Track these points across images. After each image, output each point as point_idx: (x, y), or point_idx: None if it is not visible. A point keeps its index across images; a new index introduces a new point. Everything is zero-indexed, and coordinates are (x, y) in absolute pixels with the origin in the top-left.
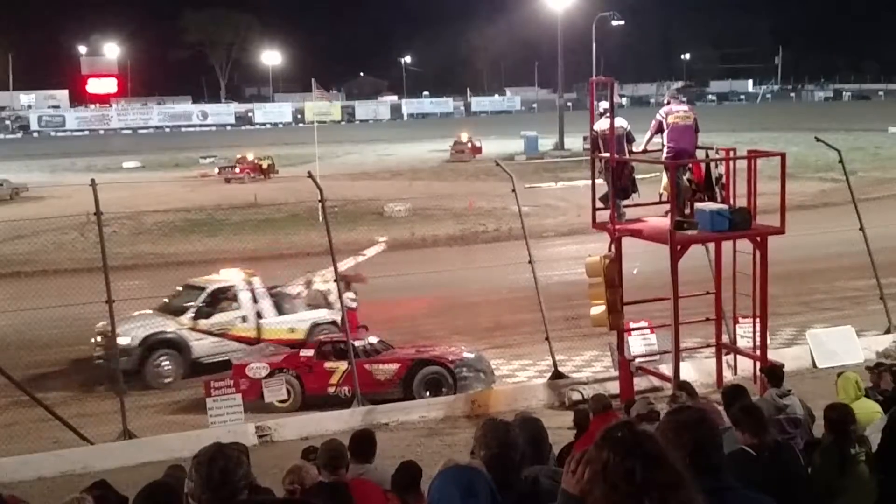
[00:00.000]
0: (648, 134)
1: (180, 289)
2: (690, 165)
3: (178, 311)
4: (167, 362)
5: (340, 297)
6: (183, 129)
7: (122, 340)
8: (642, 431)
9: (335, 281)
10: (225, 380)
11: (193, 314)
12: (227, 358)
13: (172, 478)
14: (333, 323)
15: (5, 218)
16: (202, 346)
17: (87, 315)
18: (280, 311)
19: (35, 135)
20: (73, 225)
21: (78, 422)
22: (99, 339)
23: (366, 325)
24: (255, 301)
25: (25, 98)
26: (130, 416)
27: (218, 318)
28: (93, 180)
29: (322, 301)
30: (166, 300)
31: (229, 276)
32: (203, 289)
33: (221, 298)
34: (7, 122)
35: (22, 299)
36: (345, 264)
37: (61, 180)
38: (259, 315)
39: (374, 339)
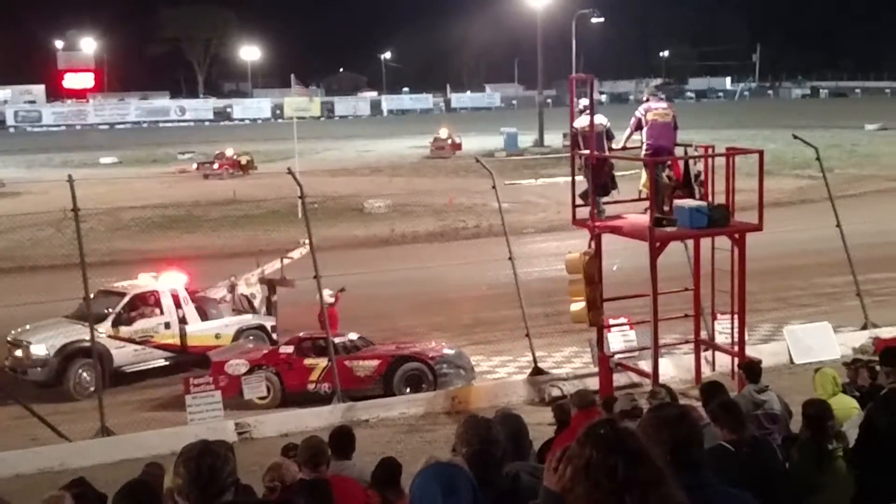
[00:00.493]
0: (628, 131)
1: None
2: (669, 162)
3: (95, 318)
4: (86, 373)
5: (308, 291)
6: (161, 125)
7: (37, 350)
8: (624, 429)
9: (261, 284)
10: (204, 377)
11: (113, 321)
12: (149, 366)
13: (150, 475)
14: (260, 328)
15: None
16: (123, 354)
17: (64, 311)
18: (204, 316)
19: (11, 130)
20: (50, 221)
21: (55, 419)
22: (16, 350)
23: (343, 288)
24: (179, 306)
25: (1, 93)
26: (108, 413)
27: (140, 325)
28: (70, 176)
29: (246, 306)
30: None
31: (150, 280)
32: (122, 294)
33: (143, 304)
34: None
35: None
36: (270, 267)
37: (38, 176)
38: (183, 321)
39: (353, 336)
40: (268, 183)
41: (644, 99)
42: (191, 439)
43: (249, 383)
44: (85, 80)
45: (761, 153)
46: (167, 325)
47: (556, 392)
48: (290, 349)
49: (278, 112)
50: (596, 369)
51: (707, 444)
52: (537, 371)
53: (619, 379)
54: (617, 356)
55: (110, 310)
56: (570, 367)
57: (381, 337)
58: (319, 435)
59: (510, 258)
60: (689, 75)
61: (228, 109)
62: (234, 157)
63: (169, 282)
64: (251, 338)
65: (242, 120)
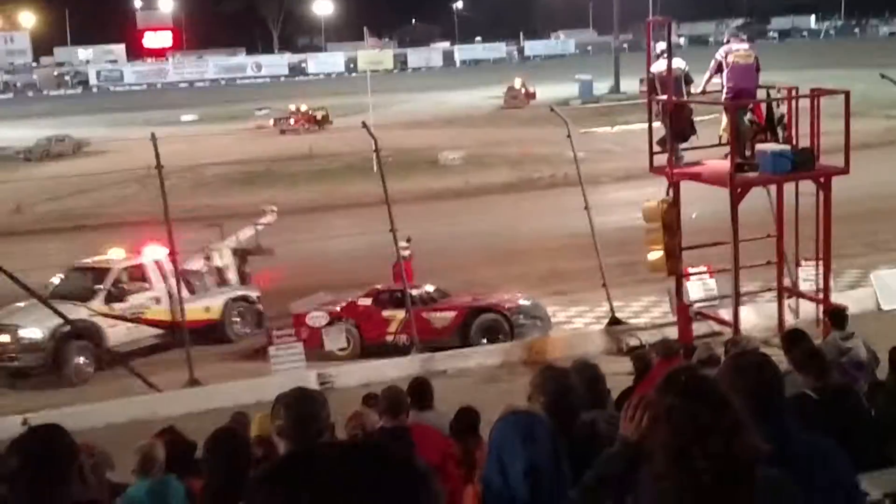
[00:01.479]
0: (707, 74)
1: (68, 272)
2: (751, 106)
3: (78, 297)
4: (84, 356)
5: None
6: (238, 82)
7: (30, 334)
8: (706, 376)
9: (233, 254)
10: (287, 328)
11: (105, 298)
12: (141, 345)
13: (237, 424)
14: (245, 298)
15: (68, 172)
16: (117, 333)
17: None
18: (191, 289)
19: (94, 90)
20: (134, 178)
21: (145, 370)
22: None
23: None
24: (165, 280)
25: (83, 53)
26: (195, 364)
27: (131, 302)
28: (153, 134)
29: (219, 278)
30: (54, 284)
31: (120, 255)
32: (106, 269)
33: (130, 279)
34: (66, 78)
35: (87, 251)
36: (243, 235)
37: (121, 135)
38: (170, 295)
39: (430, 288)
40: (343, 137)
41: (725, 41)
42: (275, 389)
43: (330, 335)
44: (164, 39)
45: (847, 94)
46: (157, 300)
47: (633, 342)
48: (368, 301)
49: (352, 66)
50: (675, 319)
51: (790, 392)
52: (615, 321)
53: (699, 328)
54: (696, 305)
55: (99, 287)
56: (647, 317)
57: (458, 289)
58: (398, 385)
59: (586, 208)
60: (772, 14)
61: (303, 64)
62: (310, 112)
63: (153, 254)
64: (240, 310)
65: (317, 75)
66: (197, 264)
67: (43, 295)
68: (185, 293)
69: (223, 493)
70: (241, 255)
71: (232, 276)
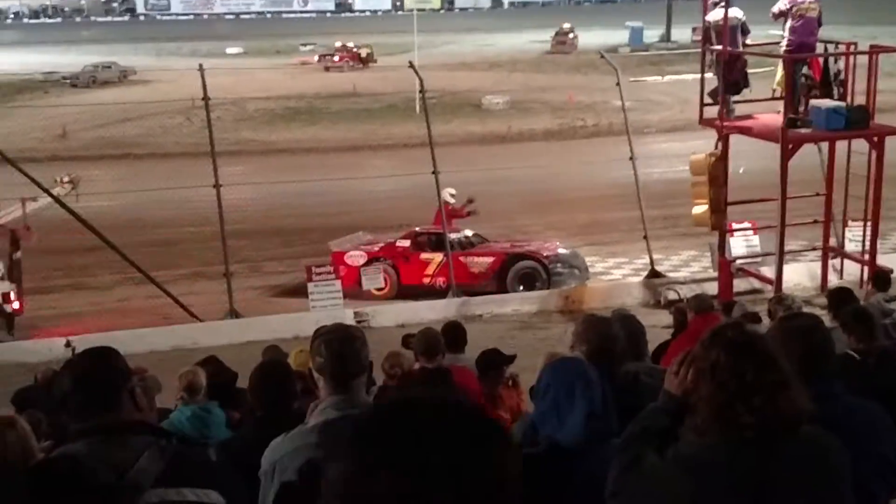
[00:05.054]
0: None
1: None
2: (808, 60)
3: None
4: None
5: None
6: (283, 16)
7: None
8: (754, 332)
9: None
10: (325, 266)
11: None
12: None
13: (277, 356)
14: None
15: (115, 100)
16: None
17: (195, 198)
18: None
19: (141, 18)
20: (180, 109)
21: (186, 300)
22: None
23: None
24: None
25: None
26: (236, 297)
27: None
28: (200, 65)
29: None
30: None
31: None
32: None
33: None
34: (114, 5)
35: (133, 180)
36: (11, 213)
37: (167, 64)
38: None
39: (469, 233)
40: (387, 76)
41: None
42: (312, 325)
43: (367, 274)
44: None
45: None
46: None
47: (672, 295)
48: (407, 243)
49: (398, 4)
50: (715, 274)
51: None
52: (654, 274)
53: (739, 285)
54: (738, 261)
55: None
56: (687, 271)
57: (496, 235)
58: (434, 327)
59: (631, 158)
60: None
61: (350, 0)
62: (355, 49)
63: None
64: None
65: (363, 11)
66: None
67: None
68: None
69: (266, 421)
70: (12, 237)
71: None
